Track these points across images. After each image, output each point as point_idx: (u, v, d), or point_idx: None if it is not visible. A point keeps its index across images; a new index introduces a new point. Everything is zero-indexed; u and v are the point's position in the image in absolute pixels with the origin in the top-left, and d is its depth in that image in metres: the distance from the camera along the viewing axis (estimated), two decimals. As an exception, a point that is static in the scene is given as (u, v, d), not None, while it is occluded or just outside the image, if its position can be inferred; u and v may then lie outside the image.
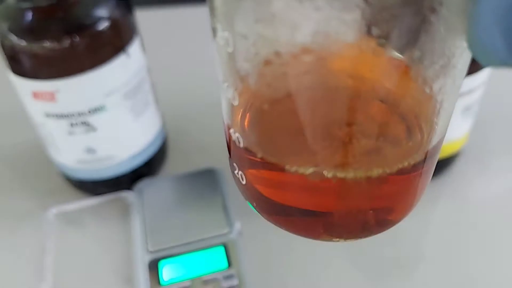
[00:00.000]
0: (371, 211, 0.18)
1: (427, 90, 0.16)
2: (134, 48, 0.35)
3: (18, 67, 0.32)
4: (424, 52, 0.15)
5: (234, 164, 0.20)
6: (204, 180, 0.38)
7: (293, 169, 0.17)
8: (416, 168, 0.17)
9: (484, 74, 0.33)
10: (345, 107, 0.16)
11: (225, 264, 0.33)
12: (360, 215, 0.18)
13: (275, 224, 0.20)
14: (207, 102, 0.43)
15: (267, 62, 0.16)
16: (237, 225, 0.35)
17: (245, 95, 0.17)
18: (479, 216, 0.38)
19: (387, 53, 0.15)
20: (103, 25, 0.32)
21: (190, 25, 0.57)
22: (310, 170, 0.16)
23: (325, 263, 0.35)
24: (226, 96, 0.18)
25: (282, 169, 0.17)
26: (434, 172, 0.40)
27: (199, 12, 0.47)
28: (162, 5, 0.63)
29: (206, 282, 0.32)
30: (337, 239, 0.19)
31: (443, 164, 0.39)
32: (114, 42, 0.33)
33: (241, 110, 0.18)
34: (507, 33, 0.12)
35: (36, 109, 0.34)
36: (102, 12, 0.32)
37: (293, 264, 0.35)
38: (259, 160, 0.18)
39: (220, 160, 0.33)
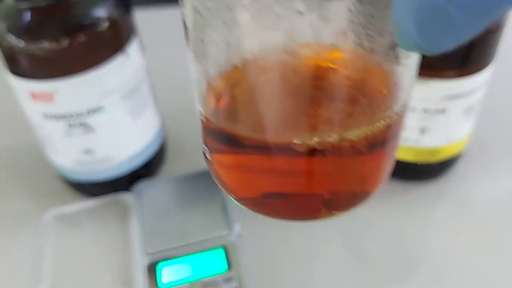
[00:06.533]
0: (336, 186, 0.19)
1: (381, 59, 0.17)
2: (133, 49, 0.34)
3: (17, 67, 0.32)
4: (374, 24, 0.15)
5: (202, 140, 0.21)
6: (204, 182, 0.38)
7: (253, 137, 0.17)
8: (380, 138, 0.18)
9: (485, 75, 0.33)
10: (306, 77, 0.17)
11: (225, 266, 0.33)
12: (328, 190, 0.19)
13: (238, 202, 0.21)
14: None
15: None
16: (237, 227, 0.35)
17: (207, 66, 0.18)
18: (481, 218, 0.38)
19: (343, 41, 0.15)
20: (102, 25, 0.32)
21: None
22: (270, 138, 0.17)
23: (325, 266, 0.35)
24: (192, 68, 0.19)
25: (241, 140, 0.18)
26: (437, 173, 0.40)
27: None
28: (161, 5, 0.63)
29: (205, 284, 0.32)
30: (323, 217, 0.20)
31: (445, 165, 0.39)
32: (113, 42, 0.33)
33: (204, 81, 0.19)
34: (417, 14, 0.12)
35: (34, 110, 0.34)
36: (101, 12, 0.32)
37: (294, 266, 0.35)
38: (219, 131, 0.19)
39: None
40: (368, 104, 0.18)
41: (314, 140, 0.17)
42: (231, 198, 0.21)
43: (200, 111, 0.19)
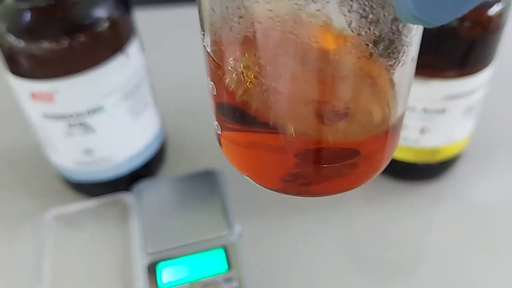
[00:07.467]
0: (337, 167, 0.20)
1: (379, 60, 0.17)
2: (133, 49, 0.34)
3: (17, 67, 0.32)
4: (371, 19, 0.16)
5: (214, 115, 0.22)
6: (204, 182, 0.38)
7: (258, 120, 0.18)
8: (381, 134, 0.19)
9: (485, 75, 0.33)
10: (313, 80, 0.17)
11: (225, 266, 0.33)
12: (326, 171, 0.20)
13: (237, 167, 0.21)
14: (206, 103, 0.42)
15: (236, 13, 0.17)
16: (237, 227, 0.35)
17: (216, 43, 0.19)
18: (481, 218, 0.38)
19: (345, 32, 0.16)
20: (102, 26, 0.32)
21: (189, 25, 0.57)
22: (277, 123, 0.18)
23: (326, 266, 0.35)
24: (203, 44, 0.19)
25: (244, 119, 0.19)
26: (437, 173, 0.40)
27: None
28: (161, 5, 0.63)
29: (205, 285, 0.32)
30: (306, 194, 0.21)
31: (445, 165, 0.39)
32: (113, 42, 0.33)
33: (213, 58, 0.19)
34: None
35: (34, 110, 0.34)
36: (101, 12, 0.32)
37: (294, 266, 0.35)
38: (226, 106, 0.19)
39: (219, 161, 0.33)
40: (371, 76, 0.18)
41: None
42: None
43: (212, 86, 0.20)
